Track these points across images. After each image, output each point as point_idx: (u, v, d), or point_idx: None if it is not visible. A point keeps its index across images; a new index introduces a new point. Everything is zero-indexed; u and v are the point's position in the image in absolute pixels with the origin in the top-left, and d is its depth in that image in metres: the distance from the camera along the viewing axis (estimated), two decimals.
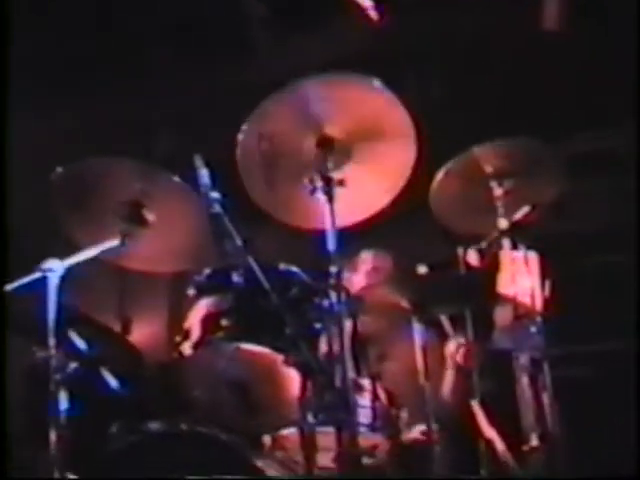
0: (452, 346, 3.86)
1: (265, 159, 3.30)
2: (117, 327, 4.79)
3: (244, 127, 3.29)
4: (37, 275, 3.33)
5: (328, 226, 3.18)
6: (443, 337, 3.93)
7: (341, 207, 3.19)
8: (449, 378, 3.91)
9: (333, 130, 3.27)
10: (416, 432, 3.71)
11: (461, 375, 3.86)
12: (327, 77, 3.20)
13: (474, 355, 3.77)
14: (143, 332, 5.05)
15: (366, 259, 4.25)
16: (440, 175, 3.66)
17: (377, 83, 3.20)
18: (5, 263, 3.56)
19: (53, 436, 3.20)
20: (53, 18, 4.56)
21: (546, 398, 3.52)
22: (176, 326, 3.76)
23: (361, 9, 4.56)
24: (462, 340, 3.86)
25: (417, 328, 3.58)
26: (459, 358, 3.86)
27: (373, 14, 4.52)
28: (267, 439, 3.60)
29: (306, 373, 3.35)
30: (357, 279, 4.29)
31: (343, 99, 3.22)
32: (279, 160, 3.31)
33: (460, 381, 3.85)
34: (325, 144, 3.27)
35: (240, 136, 3.30)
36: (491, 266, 3.66)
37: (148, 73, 4.82)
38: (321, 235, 3.21)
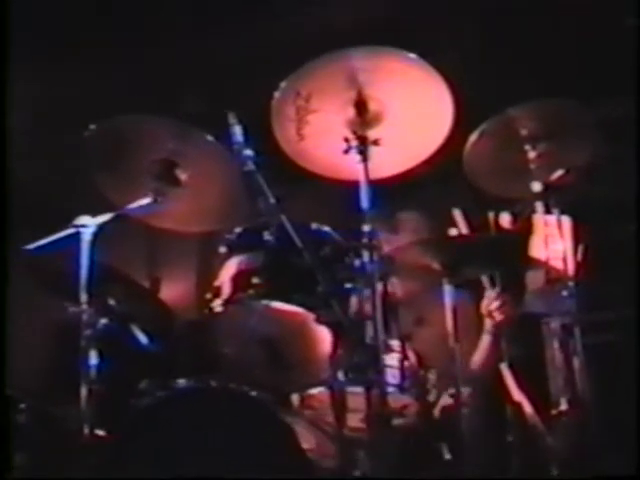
0: (487, 300, 3.83)
1: (299, 114, 3.32)
2: (147, 285, 4.83)
3: (282, 84, 3.32)
4: (70, 231, 3.36)
5: (362, 184, 3.20)
6: (474, 299, 3.92)
7: (375, 164, 3.23)
8: (485, 343, 3.89)
9: (371, 92, 3.32)
10: (445, 399, 3.71)
11: (497, 337, 3.84)
12: (369, 48, 3.29)
13: (509, 307, 3.77)
14: (172, 290, 5.08)
15: (406, 220, 4.23)
16: (474, 137, 3.61)
17: (413, 55, 3.29)
18: (5, 221, 3.54)
19: (83, 391, 3.24)
20: None
21: (576, 363, 3.51)
22: (205, 284, 3.77)
23: None
24: (497, 292, 3.82)
25: (448, 290, 3.57)
26: (495, 310, 3.82)
27: None
28: (295, 398, 3.63)
29: (337, 332, 3.37)
30: (397, 240, 4.27)
31: (382, 67, 3.29)
32: (313, 115, 3.34)
33: (496, 343, 3.84)
34: (362, 105, 3.32)
35: (277, 93, 3.32)
36: (524, 229, 3.64)
37: (178, 33, 4.80)
38: (354, 194, 3.22)
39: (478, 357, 3.90)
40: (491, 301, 3.81)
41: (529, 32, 4.66)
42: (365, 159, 3.23)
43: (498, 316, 3.81)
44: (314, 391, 3.52)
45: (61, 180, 4.67)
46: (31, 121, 4.58)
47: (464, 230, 3.79)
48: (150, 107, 3.60)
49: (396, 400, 3.45)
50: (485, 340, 3.88)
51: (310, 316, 3.37)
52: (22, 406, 3.52)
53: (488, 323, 3.87)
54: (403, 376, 3.52)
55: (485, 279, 3.81)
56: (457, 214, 3.83)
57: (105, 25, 4.67)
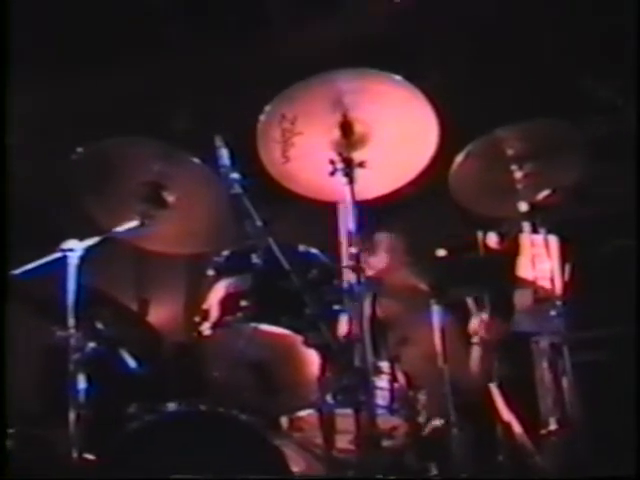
0: (475, 322, 3.83)
1: (285, 136, 3.33)
2: (134, 308, 4.82)
3: (267, 108, 3.33)
4: (57, 255, 3.35)
5: (348, 207, 3.20)
6: (461, 320, 3.92)
7: (361, 185, 3.24)
8: (476, 354, 3.89)
9: (356, 114, 3.33)
10: (435, 423, 3.71)
11: (486, 353, 3.84)
12: (354, 70, 3.31)
13: (497, 329, 3.77)
14: (160, 312, 5.07)
15: (382, 241, 4.24)
16: (460, 157, 3.63)
17: (399, 78, 3.31)
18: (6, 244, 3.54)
19: (72, 415, 3.22)
20: None
21: (565, 382, 3.51)
22: (193, 307, 3.77)
23: None
24: (484, 315, 3.84)
25: (436, 311, 3.57)
26: (482, 331, 3.84)
27: None
28: (284, 421, 3.62)
29: (325, 354, 3.37)
30: (375, 261, 4.28)
31: (367, 90, 3.31)
32: (299, 138, 3.35)
33: (485, 359, 3.84)
34: (347, 127, 3.33)
35: (262, 116, 3.33)
36: (511, 249, 3.65)
37: (166, 53, 4.82)
38: (341, 216, 3.23)
39: (473, 368, 3.89)
40: (479, 323, 3.82)
41: (514, 53, 4.69)
42: (351, 181, 3.23)
43: (486, 336, 3.82)
44: (303, 413, 3.51)
45: (48, 203, 4.66)
46: (17, 143, 4.57)
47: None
48: (137, 129, 3.60)
49: (385, 421, 3.44)
50: (476, 351, 3.88)
51: (298, 339, 3.37)
52: (11, 431, 3.51)
53: (475, 344, 3.89)
54: (392, 397, 3.52)
55: (470, 301, 3.82)
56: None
57: (94, 47, 4.68)
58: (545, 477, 3.54)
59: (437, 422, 3.64)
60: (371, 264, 4.17)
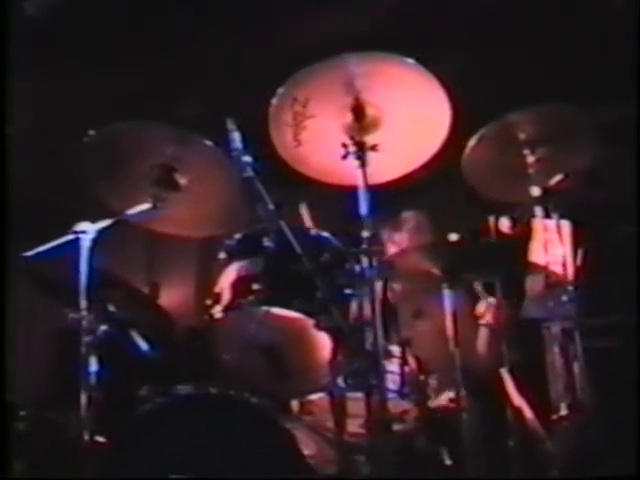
0: (482, 306, 3.83)
1: (297, 119, 3.33)
2: (146, 290, 4.82)
3: (280, 90, 3.32)
4: (69, 237, 3.36)
5: (360, 190, 3.20)
6: (473, 304, 3.92)
7: (373, 169, 3.24)
8: (483, 336, 3.89)
9: (368, 97, 3.32)
10: (444, 399, 3.71)
11: (493, 337, 3.84)
12: (366, 53, 3.30)
13: (504, 315, 3.76)
14: (172, 295, 5.08)
15: (408, 218, 4.23)
16: (473, 141, 3.61)
17: (411, 60, 3.30)
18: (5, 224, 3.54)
19: (83, 398, 3.23)
20: None
21: (576, 368, 3.51)
22: (205, 290, 3.77)
23: None
24: (492, 300, 3.83)
25: (447, 295, 3.56)
26: (489, 317, 3.84)
27: None
28: (295, 404, 3.63)
29: (337, 338, 3.37)
30: (401, 238, 4.28)
31: (380, 73, 3.30)
32: (311, 121, 3.34)
33: (492, 342, 3.84)
34: (359, 110, 3.32)
35: (274, 99, 3.33)
36: (523, 234, 3.64)
37: (178, 37, 4.81)
38: (353, 199, 3.22)
39: (480, 350, 3.90)
40: (486, 309, 3.83)
41: (527, 37, 4.66)
42: (363, 165, 3.23)
43: (492, 322, 3.82)
44: (314, 397, 3.52)
45: (60, 186, 4.66)
46: (30, 127, 4.57)
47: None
48: (149, 112, 3.59)
49: (396, 405, 3.45)
50: (483, 333, 3.88)
51: (310, 322, 3.37)
52: (22, 413, 3.53)
53: (483, 329, 3.89)
54: (403, 382, 3.52)
55: (479, 285, 3.82)
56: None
57: (104, 31, 4.67)
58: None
59: (446, 402, 3.66)
60: (396, 241, 4.19)
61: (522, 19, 4.63)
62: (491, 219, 3.74)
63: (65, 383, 3.46)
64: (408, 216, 4.30)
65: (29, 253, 3.37)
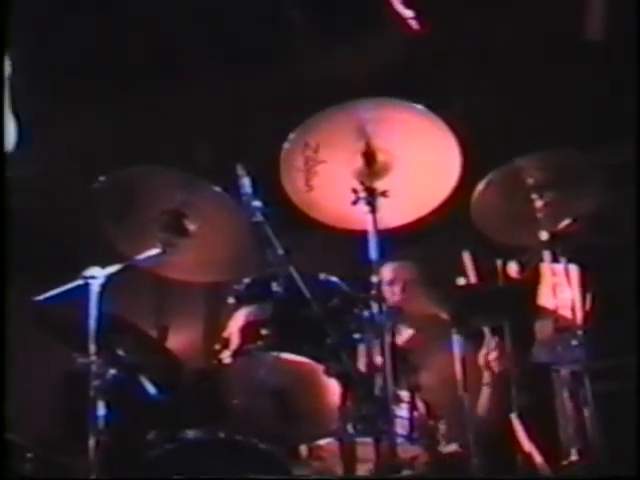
0: (486, 350, 3.81)
1: (308, 164, 3.36)
2: (154, 334, 4.82)
3: (291, 135, 3.36)
4: (79, 282, 3.37)
5: (370, 236, 3.21)
6: (482, 349, 3.91)
7: (383, 214, 3.26)
8: (485, 395, 3.87)
9: (379, 143, 3.35)
10: (454, 446, 3.68)
11: (498, 388, 3.82)
12: (377, 99, 3.34)
13: (512, 359, 3.75)
14: (180, 340, 5.07)
15: (385, 270, 4.20)
16: (481, 186, 3.64)
17: (421, 107, 3.34)
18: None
19: (91, 442, 3.22)
20: (95, 24, 4.58)
21: (586, 412, 3.49)
22: (213, 335, 3.77)
23: (401, 18, 4.57)
24: (493, 344, 3.82)
25: (456, 340, 3.56)
26: (493, 362, 3.82)
27: (413, 23, 4.53)
28: (304, 449, 3.61)
29: (346, 383, 3.35)
30: (391, 291, 4.26)
31: (390, 119, 3.33)
32: (322, 166, 3.37)
33: (497, 394, 3.82)
34: (370, 155, 3.35)
35: (286, 144, 3.36)
36: (531, 278, 3.64)
37: (188, 83, 4.85)
38: (362, 244, 3.23)
39: (481, 409, 3.88)
40: (489, 351, 3.81)
41: (534, 84, 4.70)
42: (374, 210, 3.25)
43: (496, 367, 3.81)
44: (323, 442, 3.50)
45: (71, 231, 4.68)
46: (41, 172, 4.60)
47: (472, 276, 3.79)
48: (159, 158, 3.62)
49: (406, 451, 3.43)
50: (485, 393, 3.86)
51: (319, 368, 3.36)
52: (29, 455, 3.52)
53: (486, 375, 3.87)
54: (412, 427, 3.51)
55: (487, 329, 3.81)
56: (467, 258, 3.83)
57: (116, 74, 4.71)
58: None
59: (456, 448, 3.64)
60: (387, 293, 4.17)
61: (528, 67, 4.67)
62: (499, 263, 3.75)
63: (73, 426, 3.45)
64: (387, 268, 4.24)
65: (39, 297, 3.39)
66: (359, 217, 3.30)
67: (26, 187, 3.66)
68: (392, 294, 4.19)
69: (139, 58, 4.66)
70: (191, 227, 3.57)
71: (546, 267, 3.67)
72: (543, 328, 3.68)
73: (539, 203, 3.69)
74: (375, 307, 3.18)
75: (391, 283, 4.14)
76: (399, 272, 4.23)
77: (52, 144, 4.63)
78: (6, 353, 2.90)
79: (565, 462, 3.50)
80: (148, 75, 4.72)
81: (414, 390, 3.59)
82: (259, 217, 3.39)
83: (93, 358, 3.29)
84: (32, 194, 3.85)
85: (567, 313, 3.57)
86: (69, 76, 4.68)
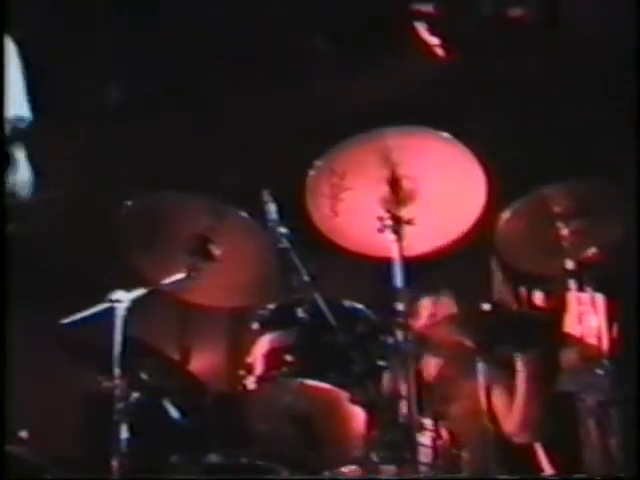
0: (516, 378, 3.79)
1: (334, 191, 3.37)
2: (178, 358, 4.83)
3: (318, 163, 3.38)
4: (104, 305, 3.39)
5: (395, 263, 3.21)
6: (507, 377, 3.89)
7: (408, 241, 3.26)
8: (517, 409, 3.84)
9: (404, 170, 3.36)
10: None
11: (527, 410, 3.79)
12: (402, 127, 3.36)
13: (538, 388, 3.72)
14: (204, 365, 5.08)
15: (426, 305, 4.21)
16: (507, 215, 3.63)
17: (446, 135, 3.35)
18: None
19: (114, 465, 3.23)
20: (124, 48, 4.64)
21: (612, 441, 3.47)
22: (237, 360, 3.78)
23: (427, 46, 4.59)
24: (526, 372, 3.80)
25: (481, 368, 3.55)
26: (522, 390, 3.78)
27: (439, 51, 4.55)
28: (327, 475, 3.60)
29: (370, 411, 3.35)
30: (418, 324, 4.26)
31: (415, 146, 3.35)
32: (348, 193, 3.38)
33: (526, 416, 3.79)
34: (395, 183, 3.35)
35: (312, 171, 3.38)
36: (558, 307, 3.63)
37: (217, 109, 4.88)
38: (387, 272, 3.24)
39: (507, 437, 3.85)
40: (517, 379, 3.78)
41: (559, 111, 4.70)
42: (399, 238, 3.25)
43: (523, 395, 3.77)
44: (346, 469, 3.49)
45: (98, 255, 4.71)
46: (70, 195, 4.64)
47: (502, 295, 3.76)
48: (185, 184, 3.65)
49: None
50: (510, 420, 3.83)
51: (344, 395, 3.35)
52: (48, 477, 3.53)
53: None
54: (436, 455, 3.49)
55: (517, 356, 3.78)
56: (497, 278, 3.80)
57: (142, 100, 4.76)
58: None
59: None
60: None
61: (555, 95, 4.67)
62: (523, 291, 3.74)
63: (96, 449, 3.46)
64: (427, 303, 4.21)
65: (65, 320, 3.41)
66: (383, 244, 3.30)
67: (55, 210, 3.71)
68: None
69: (167, 84, 4.71)
70: (217, 252, 3.58)
71: (572, 296, 3.66)
72: (569, 357, 3.67)
73: (565, 231, 3.68)
74: (400, 335, 3.19)
75: (432, 316, 4.14)
76: (440, 307, 4.22)
77: (81, 169, 4.68)
78: (7, 359, 2.89)
79: None
80: (175, 101, 4.76)
81: (438, 418, 3.58)
82: (285, 243, 3.42)
83: (117, 381, 3.31)
84: (60, 218, 3.88)
85: (593, 342, 3.56)
86: (96, 99, 4.73)
